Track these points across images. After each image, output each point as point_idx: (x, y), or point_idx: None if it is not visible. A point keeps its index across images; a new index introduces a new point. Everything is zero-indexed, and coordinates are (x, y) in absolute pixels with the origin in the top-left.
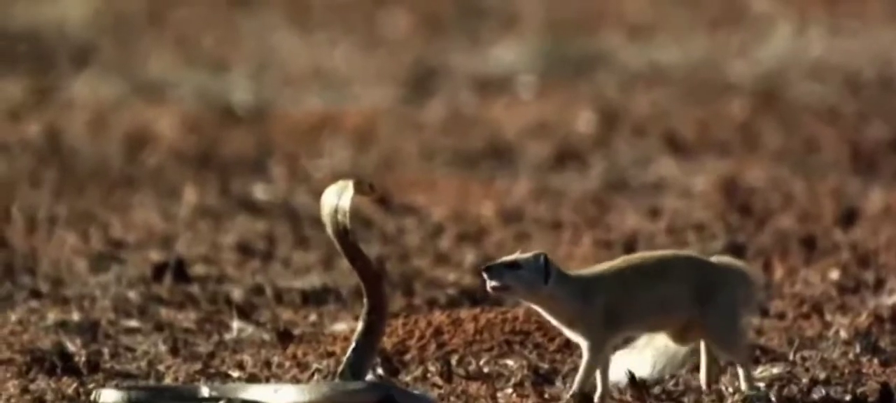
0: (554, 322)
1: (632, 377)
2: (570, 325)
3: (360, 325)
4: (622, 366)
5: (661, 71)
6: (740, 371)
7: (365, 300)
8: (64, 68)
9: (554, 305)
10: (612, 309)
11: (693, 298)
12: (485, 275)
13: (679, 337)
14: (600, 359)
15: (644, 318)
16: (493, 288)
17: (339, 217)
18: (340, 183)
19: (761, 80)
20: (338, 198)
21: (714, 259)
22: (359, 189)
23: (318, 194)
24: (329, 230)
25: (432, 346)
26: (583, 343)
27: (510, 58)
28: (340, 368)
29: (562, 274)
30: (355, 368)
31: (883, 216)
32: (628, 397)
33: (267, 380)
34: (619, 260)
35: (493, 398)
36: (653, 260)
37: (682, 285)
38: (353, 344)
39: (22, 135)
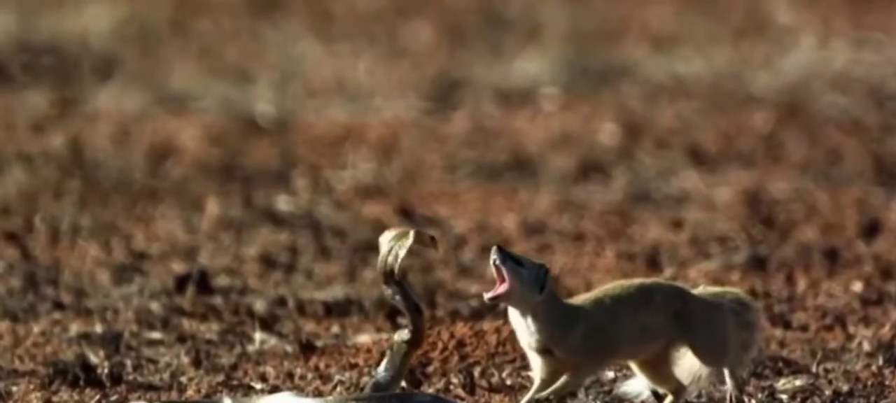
0: (523, 341)
1: (654, 392)
2: (539, 350)
3: (395, 340)
4: (644, 380)
5: (685, 83)
6: (729, 380)
7: (408, 326)
8: (87, 80)
9: (535, 321)
10: (590, 338)
11: (672, 326)
12: (494, 253)
13: (654, 370)
14: (580, 384)
15: (623, 346)
16: (491, 299)
17: (390, 259)
18: (402, 229)
19: (784, 92)
20: (395, 243)
21: (702, 290)
22: (419, 239)
23: (340, 205)
24: (378, 267)
25: (455, 358)
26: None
27: (533, 70)
28: (368, 382)
29: (554, 294)
30: (383, 386)
31: None
32: None
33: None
34: (597, 290)
35: None
36: (632, 289)
37: (660, 314)
38: (384, 362)
39: (45, 147)
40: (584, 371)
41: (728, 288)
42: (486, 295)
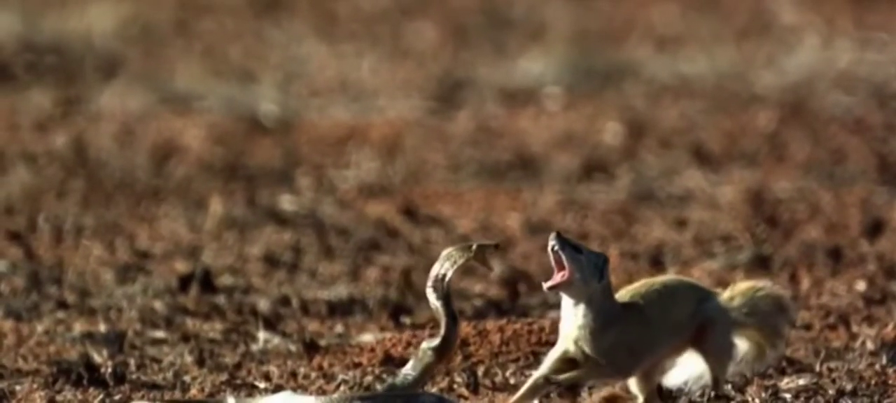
0: (565, 329)
1: (659, 387)
2: (576, 341)
3: (422, 347)
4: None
5: (689, 82)
6: (712, 381)
7: (440, 333)
8: (91, 80)
9: (587, 312)
10: (626, 344)
11: (692, 324)
12: (552, 239)
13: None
14: (593, 381)
15: (656, 350)
16: (550, 288)
17: (446, 266)
18: (466, 244)
19: (788, 92)
20: (456, 254)
21: (748, 284)
22: (479, 256)
23: (344, 204)
24: (430, 273)
25: (458, 357)
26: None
27: (537, 69)
28: (389, 382)
29: (610, 286)
30: (398, 387)
31: None
32: None
33: (293, 391)
34: (623, 292)
35: None
36: (658, 288)
37: (684, 311)
38: (409, 367)
39: (49, 146)
40: (602, 374)
41: (756, 283)
42: (546, 285)
